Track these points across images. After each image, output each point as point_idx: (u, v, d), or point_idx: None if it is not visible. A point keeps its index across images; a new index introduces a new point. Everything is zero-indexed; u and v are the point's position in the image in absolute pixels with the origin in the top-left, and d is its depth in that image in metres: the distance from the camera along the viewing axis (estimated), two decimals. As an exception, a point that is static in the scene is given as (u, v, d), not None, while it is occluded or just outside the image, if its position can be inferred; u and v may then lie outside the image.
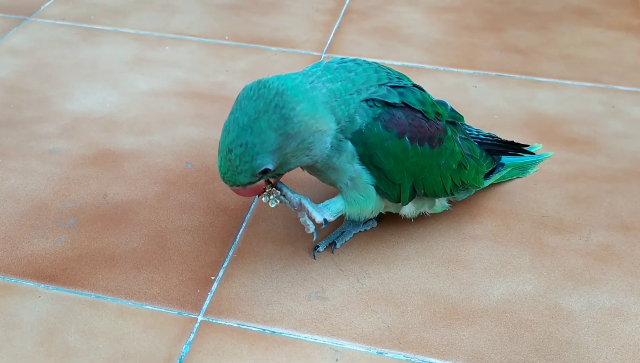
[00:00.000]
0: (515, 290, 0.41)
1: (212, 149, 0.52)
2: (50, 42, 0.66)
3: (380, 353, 0.37)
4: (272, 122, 0.35)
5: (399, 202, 0.40)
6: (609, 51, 0.67)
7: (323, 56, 0.65)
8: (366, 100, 0.37)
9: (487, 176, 0.46)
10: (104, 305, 0.39)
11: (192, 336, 0.37)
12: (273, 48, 0.66)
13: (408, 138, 0.38)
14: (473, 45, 0.68)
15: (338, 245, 0.43)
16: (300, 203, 0.39)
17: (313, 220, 0.39)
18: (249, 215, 0.46)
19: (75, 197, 0.47)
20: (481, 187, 0.46)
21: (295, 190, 0.48)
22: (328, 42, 0.67)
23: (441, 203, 0.44)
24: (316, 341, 0.37)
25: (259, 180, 0.37)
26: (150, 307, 0.39)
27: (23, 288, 0.40)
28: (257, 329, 0.38)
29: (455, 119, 0.42)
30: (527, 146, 0.47)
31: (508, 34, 0.70)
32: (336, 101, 0.37)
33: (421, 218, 0.46)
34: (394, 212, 0.43)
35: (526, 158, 0.49)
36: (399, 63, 0.64)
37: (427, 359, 0.36)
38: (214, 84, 0.60)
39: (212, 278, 0.41)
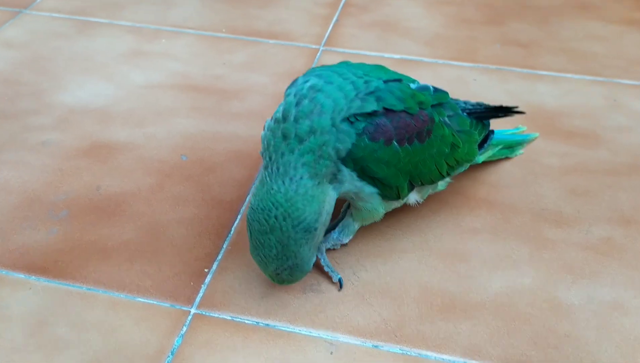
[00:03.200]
0: (514, 283, 0.40)
1: (207, 141, 0.51)
2: (46, 35, 0.65)
3: (376, 346, 0.36)
4: (299, 240, 0.36)
5: (399, 198, 0.40)
6: (610, 45, 0.66)
7: (321, 49, 0.64)
8: (347, 118, 0.36)
9: (481, 145, 0.46)
10: (96, 298, 0.38)
11: (184, 329, 0.37)
12: (271, 41, 0.65)
13: (396, 142, 0.38)
14: (473, 38, 0.67)
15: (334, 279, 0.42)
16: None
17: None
18: (243, 208, 0.45)
19: (68, 189, 0.46)
20: (476, 161, 0.46)
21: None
22: (326, 35, 0.67)
23: (443, 180, 0.44)
24: (311, 334, 0.37)
25: None
26: (142, 300, 0.38)
27: (14, 280, 0.39)
28: (251, 322, 0.37)
29: (440, 100, 0.41)
30: (516, 107, 0.47)
31: (508, 27, 0.69)
32: (317, 164, 0.36)
33: (418, 211, 0.45)
34: (399, 206, 0.42)
35: (514, 136, 0.50)
36: (397, 56, 0.63)
37: (424, 352, 0.36)
38: (211, 76, 0.59)
39: (206, 270, 0.40)
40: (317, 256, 0.41)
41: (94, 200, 0.45)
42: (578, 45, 0.66)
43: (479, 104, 0.46)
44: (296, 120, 0.36)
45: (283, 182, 0.36)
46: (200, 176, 0.48)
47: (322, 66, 0.40)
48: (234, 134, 0.52)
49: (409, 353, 0.36)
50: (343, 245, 0.42)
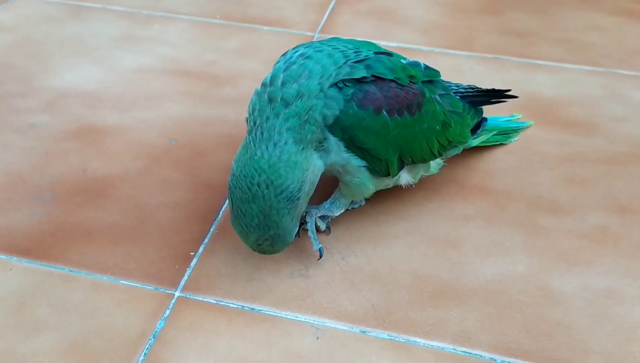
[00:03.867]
0: (507, 270, 0.39)
1: (198, 126, 0.50)
2: (38, 19, 0.64)
3: (364, 332, 0.35)
4: (281, 209, 0.34)
5: (388, 175, 0.39)
6: (609, 36, 0.65)
7: (316, 36, 0.63)
8: (335, 84, 0.35)
9: (474, 131, 0.45)
10: (78, 280, 0.37)
11: (167, 312, 0.36)
12: (265, 28, 0.64)
13: (386, 112, 0.37)
14: (470, 28, 0.66)
15: (322, 227, 0.41)
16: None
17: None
18: (232, 192, 0.44)
19: (54, 171, 0.45)
20: (469, 144, 0.45)
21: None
22: (322, 22, 0.66)
23: (436, 162, 0.43)
24: (297, 319, 0.36)
25: None
26: (125, 282, 0.37)
27: (-5, 261, 0.38)
28: (236, 305, 0.36)
29: (431, 77, 0.41)
30: (509, 90, 0.46)
31: (506, 17, 0.68)
32: (303, 130, 0.35)
33: (411, 196, 0.44)
34: (392, 186, 0.41)
35: (508, 123, 0.50)
36: (394, 44, 0.62)
37: (412, 338, 0.35)
38: (203, 62, 0.58)
39: (192, 254, 0.39)
40: (306, 222, 0.40)
41: (80, 183, 0.44)
42: (577, 35, 0.65)
43: (470, 88, 0.46)
44: (283, 84, 0.35)
45: (267, 147, 0.34)
46: (189, 161, 0.47)
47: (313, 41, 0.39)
48: (225, 119, 0.51)
49: (397, 339, 0.35)
50: (329, 224, 0.42)
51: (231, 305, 0.36)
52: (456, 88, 0.45)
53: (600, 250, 0.41)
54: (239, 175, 0.35)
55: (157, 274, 0.38)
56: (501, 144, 0.49)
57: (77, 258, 0.39)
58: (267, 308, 0.36)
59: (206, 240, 0.40)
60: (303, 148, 0.35)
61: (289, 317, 0.36)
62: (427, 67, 0.41)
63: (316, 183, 0.37)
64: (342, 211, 0.40)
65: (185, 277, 0.38)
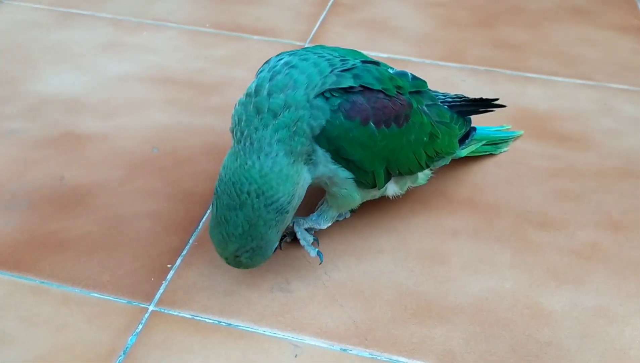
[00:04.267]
0: (494, 287, 0.38)
1: (181, 134, 0.49)
2: (24, 25, 0.63)
3: (345, 350, 0.34)
4: (269, 221, 0.33)
5: (375, 187, 0.37)
6: (603, 50, 0.64)
7: (306, 46, 0.62)
8: (321, 94, 0.34)
9: (462, 141, 0.44)
10: (48, 292, 0.36)
11: (140, 327, 0.34)
12: (255, 37, 0.63)
13: (373, 123, 0.35)
14: (462, 40, 0.65)
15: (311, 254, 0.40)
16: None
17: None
18: (214, 202, 0.43)
19: (31, 178, 0.44)
20: (458, 154, 0.44)
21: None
22: (312, 33, 0.65)
23: (424, 174, 0.42)
24: (275, 335, 0.34)
25: None
26: (97, 295, 0.36)
27: (-37, 271, 0.37)
28: (212, 321, 0.35)
29: (418, 88, 0.40)
30: (497, 99, 0.46)
31: (499, 30, 0.68)
32: (292, 141, 0.34)
33: (397, 210, 0.43)
34: (378, 197, 0.40)
35: (498, 133, 0.49)
36: (385, 55, 0.61)
37: (394, 357, 0.33)
38: (191, 70, 0.57)
39: (169, 266, 0.38)
40: (294, 232, 0.39)
41: (57, 191, 0.43)
42: (569, 49, 0.64)
43: (458, 97, 0.45)
44: (269, 94, 0.34)
45: (258, 157, 0.33)
46: (171, 169, 0.46)
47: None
48: (209, 127, 0.50)
49: (379, 358, 0.33)
50: (317, 232, 0.40)
51: (207, 320, 0.35)
52: (443, 98, 0.44)
53: (591, 268, 0.39)
54: (228, 181, 0.33)
55: (131, 287, 0.37)
56: (491, 155, 0.48)
57: (49, 269, 0.37)
58: (244, 323, 0.35)
59: (184, 252, 0.39)
60: (294, 161, 0.34)
61: (267, 333, 0.34)
62: (414, 78, 0.40)
63: (303, 196, 0.36)
64: (329, 224, 0.39)
65: (161, 290, 0.36)
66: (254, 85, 0.35)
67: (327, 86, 0.35)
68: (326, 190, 0.38)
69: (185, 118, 0.51)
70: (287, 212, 0.34)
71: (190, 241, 0.40)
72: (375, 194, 0.39)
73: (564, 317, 0.36)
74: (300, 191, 0.34)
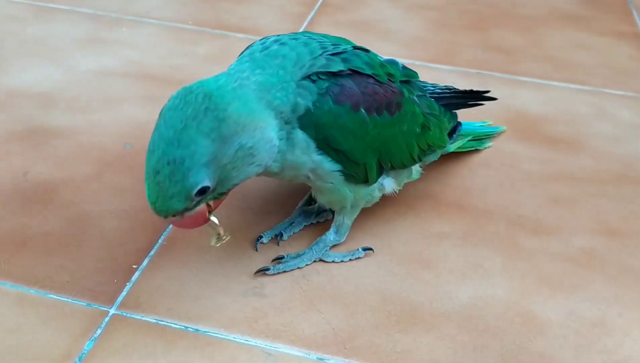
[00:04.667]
0: (484, 294, 0.35)
1: (157, 131, 0.47)
2: (0, 18, 0.61)
3: (322, 359, 0.31)
4: (202, 126, 0.29)
5: (367, 182, 0.35)
6: (598, 55, 0.63)
7: (292, 45, 0.60)
8: (307, 76, 0.32)
9: (449, 136, 0.42)
10: (2, 292, 0.33)
11: (99, 331, 0.32)
12: (239, 35, 0.61)
13: (364, 110, 0.33)
14: (453, 42, 0.63)
15: (285, 237, 0.38)
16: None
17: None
18: (187, 201, 0.40)
19: (-8, 173, 0.41)
20: (447, 149, 0.42)
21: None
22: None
23: (416, 169, 0.40)
24: (247, 342, 0.32)
25: (196, 205, 0.31)
26: (55, 296, 0.33)
27: None
28: (178, 326, 0.32)
29: (409, 77, 0.37)
30: (487, 91, 0.44)
31: (491, 33, 0.66)
32: (269, 93, 0.31)
33: (383, 212, 0.41)
34: (378, 199, 0.37)
35: (482, 128, 0.47)
36: (373, 56, 0.59)
37: (375, 368, 0.31)
38: (170, 67, 0.55)
39: (135, 267, 0.35)
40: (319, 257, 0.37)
41: (19, 187, 0.40)
42: (563, 54, 0.63)
43: (447, 88, 0.43)
44: (266, 57, 0.32)
45: (228, 74, 0.31)
46: (143, 166, 0.43)
47: None
48: (187, 125, 0.48)
49: (358, 368, 0.31)
50: (293, 237, 0.38)
51: (173, 325, 0.32)
52: (432, 88, 0.42)
53: (587, 275, 0.37)
54: (185, 87, 0.30)
55: (92, 288, 0.34)
56: (476, 150, 0.46)
57: (5, 268, 0.34)
58: (213, 329, 0.32)
59: (152, 252, 0.36)
60: (265, 109, 0.31)
61: (238, 340, 0.32)
62: (404, 67, 0.38)
63: (254, 171, 0.31)
64: (345, 235, 0.37)
65: (124, 293, 0.34)
66: (246, 53, 0.33)
67: (315, 68, 0.32)
68: (311, 185, 0.35)
69: (162, 115, 0.49)
70: (226, 137, 0.29)
71: (160, 241, 0.37)
72: (373, 194, 0.36)
73: (558, 326, 0.34)
74: (259, 144, 0.30)
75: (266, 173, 0.33)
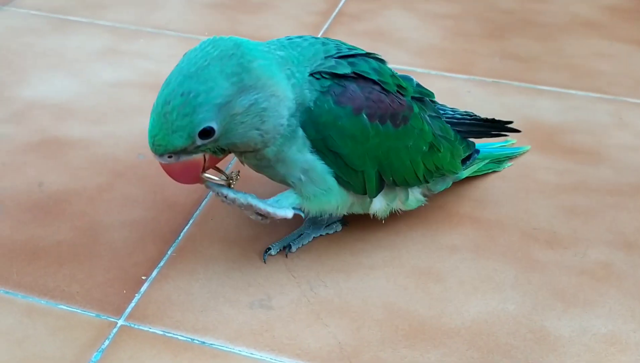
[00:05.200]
0: (495, 308, 0.35)
1: (170, 142, 0.47)
2: (20, 31, 0.62)
3: (326, 373, 0.31)
4: (225, 68, 0.29)
5: (365, 194, 0.35)
6: (617, 63, 0.61)
7: (307, 55, 0.60)
8: (312, 74, 0.32)
9: (464, 162, 0.40)
10: (12, 302, 0.34)
11: (106, 342, 0.32)
12: (254, 46, 0.62)
13: (366, 115, 0.33)
14: (470, 51, 0.63)
15: (293, 249, 0.37)
16: (249, 204, 0.33)
17: (268, 214, 0.33)
18: (197, 212, 0.40)
19: (7, 184, 0.42)
20: (459, 177, 0.41)
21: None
22: (314, 42, 0.63)
23: (415, 197, 0.38)
24: (252, 355, 0.31)
25: (195, 150, 0.30)
26: (64, 307, 0.33)
27: None
28: (184, 338, 0.32)
29: (423, 95, 0.37)
30: (511, 122, 0.42)
31: (509, 42, 0.65)
32: (289, 69, 0.32)
33: (392, 224, 0.40)
34: (362, 212, 0.37)
35: (503, 149, 0.45)
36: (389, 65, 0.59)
37: (381, 383, 0.30)
38: (185, 78, 0.55)
39: (143, 278, 0.35)
40: (251, 204, 0.33)
41: (34, 197, 0.41)
42: (583, 62, 0.61)
43: (468, 114, 0.42)
44: (290, 44, 0.33)
45: (257, 43, 0.31)
46: (155, 177, 0.43)
47: None
48: (200, 135, 0.48)
49: (364, 384, 0.30)
50: (291, 250, 0.37)
51: (179, 337, 0.32)
52: (452, 113, 0.41)
53: (603, 290, 0.36)
54: (218, 37, 0.30)
55: (101, 299, 0.34)
56: (494, 172, 0.45)
57: (16, 278, 0.35)
58: (219, 342, 0.32)
59: (161, 263, 0.36)
60: (285, 79, 0.31)
61: (243, 353, 0.32)
62: (419, 85, 0.38)
63: (255, 138, 0.30)
64: (288, 214, 0.34)
65: (132, 304, 0.34)
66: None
67: (321, 68, 0.32)
68: (298, 190, 0.34)
69: (175, 125, 0.49)
70: (244, 89, 0.29)
71: (169, 253, 0.37)
72: (357, 206, 0.36)
73: (571, 343, 0.33)
74: (270, 100, 0.30)
75: (260, 160, 0.33)
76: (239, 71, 0.29)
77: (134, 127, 0.48)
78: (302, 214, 0.34)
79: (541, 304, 0.35)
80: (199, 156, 0.31)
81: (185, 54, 0.31)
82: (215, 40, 0.30)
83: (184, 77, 0.29)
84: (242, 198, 0.33)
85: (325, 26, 0.66)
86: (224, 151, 0.32)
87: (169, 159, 0.30)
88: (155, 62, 0.58)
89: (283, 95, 0.31)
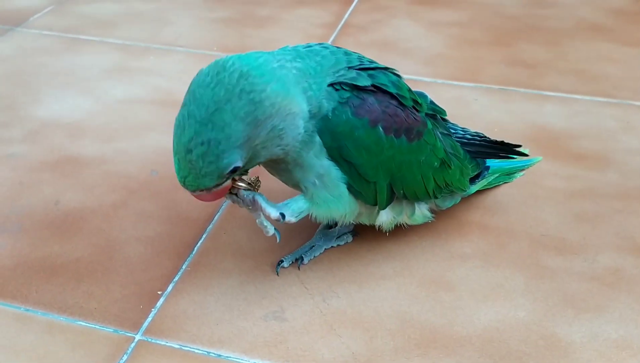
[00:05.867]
0: (506, 316, 0.35)
1: (182, 157, 0.48)
2: (32, 51, 0.64)
3: (341, 384, 0.31)
4: (237, 110, 0.29)
5: (376, 205, 0.35)
6: (624, 67, 0.62)
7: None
8: (332, 84, 0.33)
9: (472, 181, 0.41)
10: (32, 319, 0.34)
11: (125, 357, 0.32)
12: (262, 59, 0.62)
13: (382, 128, 0.33)
14: (476, 58, 0.63)
15: (305, 261, 0.38)
16: (254, 200, 0.34)
17: (268, 217, 0.34)
18: (210, 226, 0.41)
19: (25, 203, 0.43)
20: (467, 193, 0.41)
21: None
22: (321, 54, 0.64)
23: (422, 212, 0.38)
24: (267, 367, 0.32)
25: (225, 181, 0.32)
26: (83, 323, 0.34)
27: (-52, 298, 0.36)
28: (200, 351, 0.33)
29: (435, 113, 0.37)
30: (519, 146, 0.42)
31: (515, 48, 0.65)
32: (306, 81, 0.32)
33: (402, 234, 0.41)
34: (368, 223, 0.38)
35: (514, 162, 0.45)
36: (394, 75, 0.60)
37: (394, 393, 0.31)
38: (195, 93, 0.56)
39: (159, 292, 0.36)
40: (254, 205, 0.34)
41: (51, 215, 0.42)
42: (589, 66, 0.62)
43: (478, 135, 0.42)
44: (309, 52, 0.34)
45: (270, 54, 0.31)
46: (168, 193, 0.44)
47: None
48: (211, 150, 0.49)
49: (377, 393, 0.31)
50: (302, 262, 0.38)
51: (195, 351, 0.33)
52: (462, 133, 0.41)
53: (613, 295, 0.36)
54: (217, 61, 0.30)
55: (119, 315, 0.35)
56: (505, 182, 0.45)
57: (35, 295, 0.36)
58: (235, 354, 0.33)
59: (176, 278, 0.37)
60: (300, 94, 0.31)
61: (258, 365, 0.32)
62: (433, 103, 0.38)
63: (277, 153, 0.31)
64: (294, 218, 0.34)
65: (149, 319, 0.35)
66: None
67: (342, 79, 0.33)
68: (309, 195, 0.34)
69: (186, 141, 0.50)
70: (261, 120, 0.29)
71: (184, 267, 0.38)
72: (365, 217, 0.36)
73: (583, 349, 0.33)
74: (286, 120, 0.30)
75: (278, 163, 0.33)
76: (252, 110, 0.29)
77: (145, 143, 0.49)
78: (278, 236, 0.35)
79: (552, 310, 0.35)
80: (228, 183, 0.32)
81: (190, 89, 0.30)
82: (218, 72, 0.30)
83: (199, 125, 0.29)
84: (248, 195, 0.34)
85: (332, 38, 0.67)
86: (247, 171, 0.33)
87: (201, 192, 0.32)
88: (166, 78, 0.59)
89: (298, 109, 0.31)
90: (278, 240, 0.36)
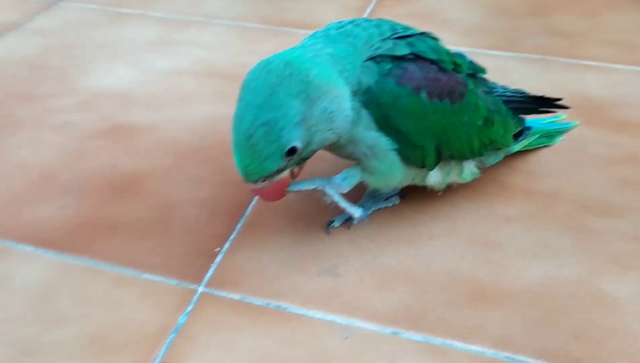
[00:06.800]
0: (554, 273, 0.36)
1: (228, 126, 0.49)
2: (77, 24, 0.65)
3: (396, 333, 0.33)
4: (290, 89, 0.31)
5: (424, 167, 0.36)
6: (664, 36, 0.61)
7: (353, 39, 0.62)
8: (371, 57, 0.34)
9: (515, 138, 0.42)
10: (101, 273, 0.36)
11: (190, 307, 0.34)
12: (302, 31, 0.63)
13: (426, 94, 0.34)
14: (514, 29, 0.63)
15: (355, 221, 0.39)
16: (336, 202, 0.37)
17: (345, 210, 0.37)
18: (262, 189, 0.43)
19: (84, 167, 0.45)
20: (511, 150, 0.42)
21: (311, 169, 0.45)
22: (359, 26, 0.64)
23: (470, 169, 0.40)
24: (324, 318, 0.34)
25: (285, 168, 0.33)
26: (149, 276, 0.36)
27: (20, 252, 0.38)
28: (260, 303, 0.35)
29: (475, 72, 0.38)
30: (560, 99, 0.43)
31: (553, 19, 0.65)
32: (340, 64, 0.33)
33: (449, 196, 0.42)
34: (419, 184, 0.39)
35: (553, 125, 0.46)
36: (433, 46, 0.60)
37: (449, 342, 0.32)
38: (237, 64, 0.58)
39: (217, 250, 0.38)
40: (327, 194, 0.37)
41: (109, 178, 0.44)
42: (629, 37, 0.62)
43: (518, 92, 0.43)
44: (340, 34, 0.35)
45: (302, 47, 0.33)
46: (218, 158, 0.46)
47: None
48: (257, 118, 0.50)
49: (432, 342, 0.32)
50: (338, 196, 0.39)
51: (256, 302, 0.35)
52: (502, 91, 0.42)
53: (658, 254, 0.37)
54: (261, 61, 0.33)
55: (180, 269, 0.37)
56: (545, 146, 0.46)
57: (102, 251, 0.38)
58: (293, 306, 0.34)
59: (232, 236, 0.39)
60: (339, 77, 0.33)
61: (316, 316, 0.34)
62: (472, 62, 0.39)
63: (329, 138, 0.33)
64: (351, 186, 0.37)
65: (210, 273, 0.36)
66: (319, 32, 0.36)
67: (380, 51, 0.34)
68: (362, 165, 0.36)
69: (231, 111, 0.51)
70: (312, 102, 0.31)
71: (238, 227, 0.40)
72: (417, 179, 0.38)
73: (629, 303, 0.34)
74: (335, 108, 0.32)
75: (331, 144, 0.35)
76: (304, 88, 0.31)
77: (192, 113, 0.51)
78: (364, 216, 0.38)
79: (598, 269, 0.36)
80: (286, 174, 0.34)
81: (243, 86, 0.33)
82: (265, 66, 0.32)
83: (257, 110, 0.31)
84: (342, 203, 0.37)
85: (369, 9, 0.68)
86: (304, 160, 0.34)
87: (262, 183, 0.33)
88: (208, 50, 0.60)
89: (341, 92, 0.33)
90: (366, 221, 0.38)
